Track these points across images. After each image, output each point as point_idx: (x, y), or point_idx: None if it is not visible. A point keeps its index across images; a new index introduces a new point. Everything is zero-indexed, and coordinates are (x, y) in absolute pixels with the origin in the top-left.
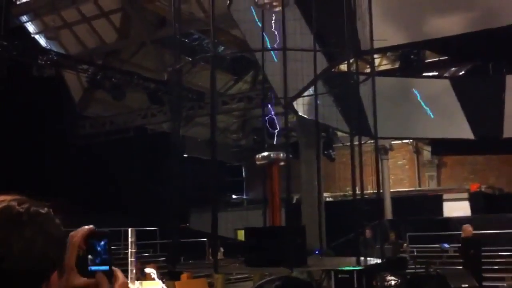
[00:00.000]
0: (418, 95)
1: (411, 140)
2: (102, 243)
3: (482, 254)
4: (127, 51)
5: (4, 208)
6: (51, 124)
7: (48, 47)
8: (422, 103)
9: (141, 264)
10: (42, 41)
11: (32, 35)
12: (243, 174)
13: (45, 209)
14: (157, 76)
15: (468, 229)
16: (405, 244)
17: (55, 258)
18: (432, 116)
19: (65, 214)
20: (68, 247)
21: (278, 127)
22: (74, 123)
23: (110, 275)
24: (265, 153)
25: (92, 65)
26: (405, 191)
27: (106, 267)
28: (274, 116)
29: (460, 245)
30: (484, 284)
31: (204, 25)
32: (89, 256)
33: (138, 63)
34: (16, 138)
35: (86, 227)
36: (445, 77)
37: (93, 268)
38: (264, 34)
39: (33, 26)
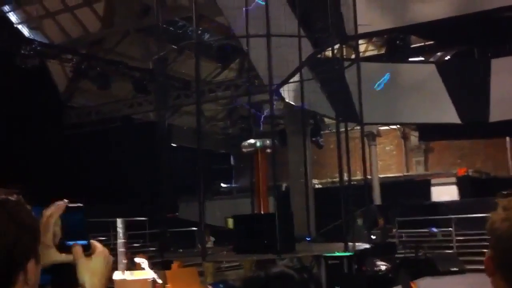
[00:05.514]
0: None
1: (398, 126)
2: (78, 217)
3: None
4: (111, 40)
5: None
6: (35, 115)
7: (32, 37)
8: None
9: (131, 254)
10: (25, 31)
11: (15, 25)
12: (231, 162)
13: (15, 196)
14: (142, 65)
15: None
16: (393, 229)
17: (30, 246)
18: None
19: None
20: (42, 226)
21: (265, 114)
22: (59, 113)
23: (88, 249)
24: (251, 141)
25: (76, 54)
26: (393, 176)
27: (83, 241)
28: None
29: None
30: (470, 267)
31: (189, 12)
32: (66, 232)
33: (123, 52)
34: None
35: (59, 202)
36: (431, 62)
37: (71, 243)
38: (248, 20)
39: (16, 16)
